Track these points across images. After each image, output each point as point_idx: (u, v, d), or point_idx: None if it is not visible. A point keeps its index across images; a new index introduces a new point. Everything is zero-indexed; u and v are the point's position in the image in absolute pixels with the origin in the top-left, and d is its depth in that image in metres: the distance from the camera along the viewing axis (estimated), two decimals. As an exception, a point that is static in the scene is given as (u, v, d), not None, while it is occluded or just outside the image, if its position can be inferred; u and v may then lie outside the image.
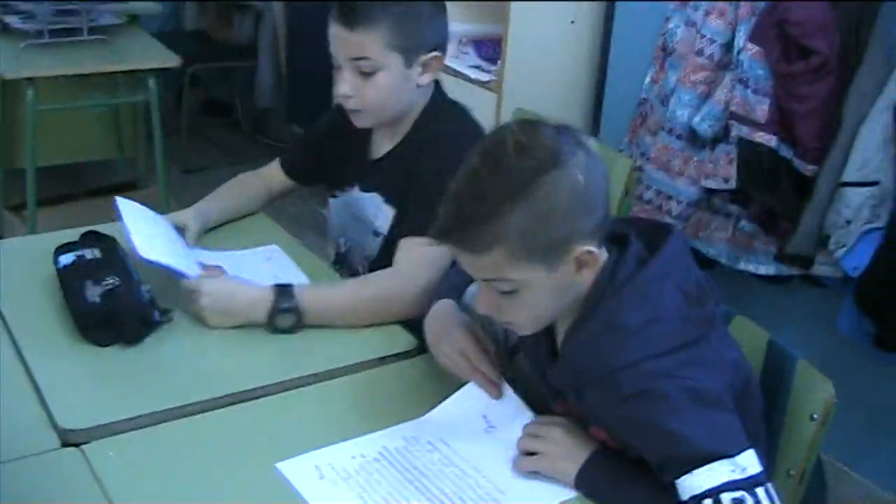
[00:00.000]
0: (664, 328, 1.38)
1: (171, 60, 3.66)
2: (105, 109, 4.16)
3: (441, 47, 2.00)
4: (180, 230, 2.06)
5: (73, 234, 2.01)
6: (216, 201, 2.21)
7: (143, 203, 2.06)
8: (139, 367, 1.72)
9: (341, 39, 1.93)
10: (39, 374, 1.66)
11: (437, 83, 2.06)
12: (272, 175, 2.29)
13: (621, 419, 1.41)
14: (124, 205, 1.97)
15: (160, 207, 2.24)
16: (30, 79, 3.49)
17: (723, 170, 2.74)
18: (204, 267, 1.93)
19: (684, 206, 2.89)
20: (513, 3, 3.19)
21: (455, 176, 1.39)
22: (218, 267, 1.97)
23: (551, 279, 1.38)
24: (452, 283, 1.76)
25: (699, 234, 2.91)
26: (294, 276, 2.03)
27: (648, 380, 1.35)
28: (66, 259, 1.89)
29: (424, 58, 1.96)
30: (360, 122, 2.03)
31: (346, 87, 1.95)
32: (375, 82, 1.93)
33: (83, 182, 4.46)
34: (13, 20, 3.66)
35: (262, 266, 2.07)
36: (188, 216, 2.10)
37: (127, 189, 4.48)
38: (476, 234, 1.34)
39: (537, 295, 1.40)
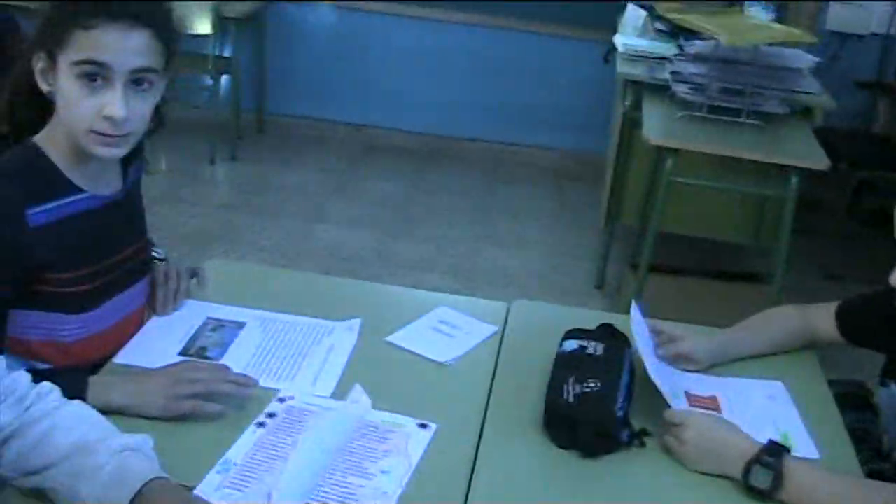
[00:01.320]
0: None
1: (819, 162, 3.40)
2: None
3: None
4: (685, 357, 1.89)
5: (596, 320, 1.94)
6: (742, 333, 1.99)
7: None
8: (581, 483, 1.59)
9: None
10: (483, 452, 1.61)
11: None
12: (821, 320, 2.01)
13: None
14: (637, 312, 1.85)
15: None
16: (673, 149, 3.48)
17: None
18: (691, 397, 1.74)
19: None
20: None
21: None
22: (712, 398, 1.76)
23: None
24: None
25: None
26: (793, 425, 1.77)
27: None
28: (569, 345, 1.82)
29: None
30: None
31: None
32: None
33: (708, 259, 4.40)
34: (681, 89, 3.68)
35: (759, 402, 1.84)
36: (700, 343, 1.92)
37: (751, 280, 4.35)
38: None
39: None
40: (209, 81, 5.29)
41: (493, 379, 1.84)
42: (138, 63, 1.61)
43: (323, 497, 1.44)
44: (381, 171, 5.55)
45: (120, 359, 1.76)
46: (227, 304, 1.98)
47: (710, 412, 1.75)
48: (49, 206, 1.65)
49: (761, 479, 1.57)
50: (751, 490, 1.58)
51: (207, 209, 4.85)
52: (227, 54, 5.46)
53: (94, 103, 1.59)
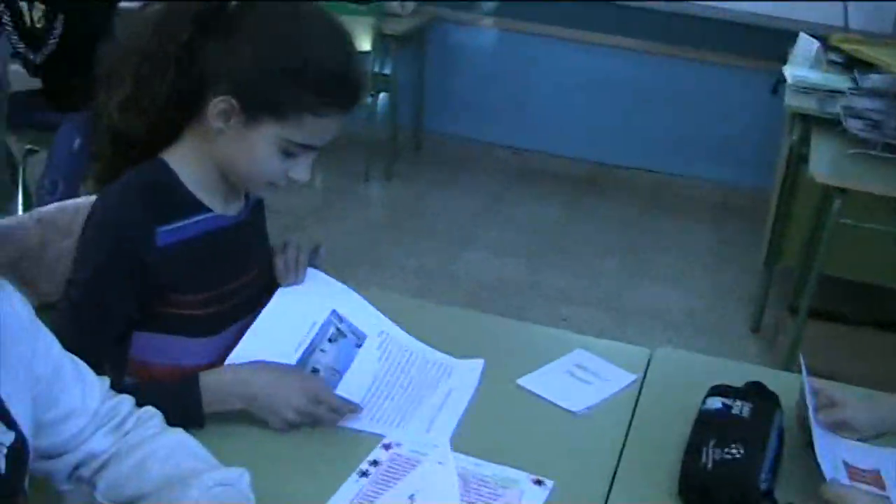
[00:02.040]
0: None
1: None
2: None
3: None
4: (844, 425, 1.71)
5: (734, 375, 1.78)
6: None
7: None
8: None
9: None
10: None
11: None
12: None
13: None
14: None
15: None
16: (842, 189, 3.27)
17: None
18: (851, 470, 1.57)
19: None
20: None
21: None
22: (875, 472, 1.60)
23: None
24: None
25: None
26: None
27: None
28: (712, 403, 1.67)
29: None
30: None
31: None
32: None
33: (876, 308, 4.13)
34: (854, 125, 3.46)
35: None
36: (863, 411, 1.74)
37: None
38: None
39: None
40: (368, 98, 5.29)
41: (626, 434, 1.71)
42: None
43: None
44: (535, 196, 5.44)
45: (233, 359, 1.67)
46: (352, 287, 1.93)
47: (871, 490, 1.58)
48: (176, 225, 1.61)
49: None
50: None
51: (357, 227, 4.84)
52: (386, 72, 5.46)
53: (284, 166, 1.61)
